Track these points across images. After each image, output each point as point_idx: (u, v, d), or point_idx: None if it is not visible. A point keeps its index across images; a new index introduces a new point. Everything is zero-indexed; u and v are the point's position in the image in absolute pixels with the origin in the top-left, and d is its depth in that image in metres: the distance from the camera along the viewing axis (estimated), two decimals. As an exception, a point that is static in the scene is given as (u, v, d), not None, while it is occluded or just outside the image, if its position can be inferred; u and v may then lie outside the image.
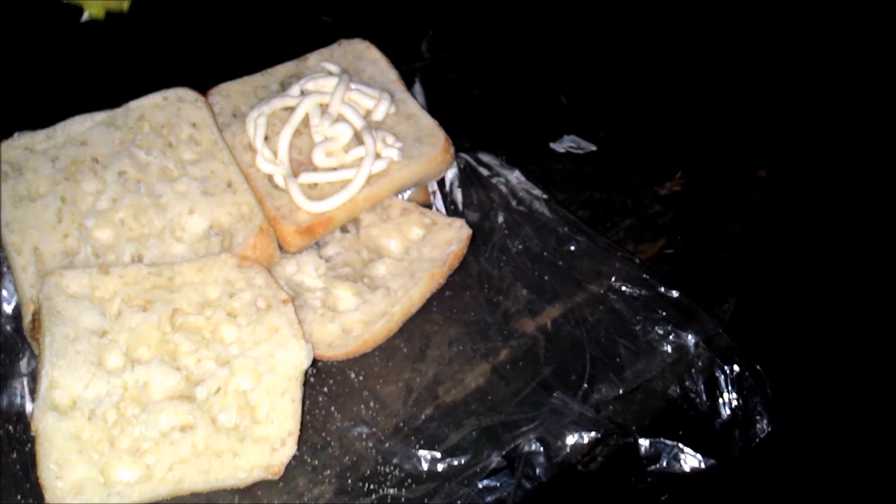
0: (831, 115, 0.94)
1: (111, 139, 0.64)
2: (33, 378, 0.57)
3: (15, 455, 0.54)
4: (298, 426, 0.54)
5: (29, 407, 0.56)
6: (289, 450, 0.54)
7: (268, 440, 0.53)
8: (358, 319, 0.62)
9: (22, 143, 0.64)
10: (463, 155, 0.76)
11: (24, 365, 0.57)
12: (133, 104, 0.67)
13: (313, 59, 0.75)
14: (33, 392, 0.56)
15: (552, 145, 0.89)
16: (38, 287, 0.56)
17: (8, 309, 0.61)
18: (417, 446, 0.57)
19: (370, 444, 0.58)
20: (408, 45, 1.04)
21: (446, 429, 0.58)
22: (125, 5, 0.56)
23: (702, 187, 0.83)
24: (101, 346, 0.53)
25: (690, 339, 0.62)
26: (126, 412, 0.52)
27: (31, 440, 0.52)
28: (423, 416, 0.60)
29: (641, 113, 0.93)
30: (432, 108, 0.81)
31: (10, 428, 0.55)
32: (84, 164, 0.62)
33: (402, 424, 0.59)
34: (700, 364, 0.62)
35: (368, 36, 1.05)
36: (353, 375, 0.62)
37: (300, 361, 0.56)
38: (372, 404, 0.60)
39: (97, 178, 0.62)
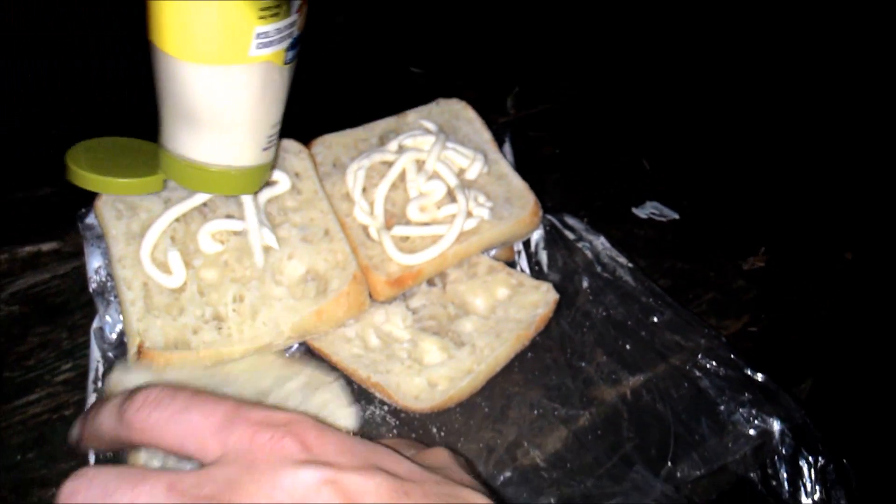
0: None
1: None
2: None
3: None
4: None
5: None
6: None
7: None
8: (444, 375, 0.63)
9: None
10: (549, 217, 0.77)
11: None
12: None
13: (412, 115, 0.78)
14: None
15: (634, 210, 0.90)
16: (144, 323, 0.59)
17: (112, 336, 0.63)
18: (496, 509, 0.57)
19: (449, 503, 0.58)
20: (493, 100, 1.07)
21: (525, 494, 0.59)
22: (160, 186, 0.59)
23: (786, 266, 0.83)
24: None
25: (776, 425, 0.62)
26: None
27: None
28: (501, 479, 0.60)
29: (725, 184, 0.93)
30: (515, 166, 0.83)
31: (111, 454, 0.57)
32: (194, 208, 0.65)
33: (480, 485, 0.59)
34: (784, 451, 0.61)
35: (456, 89, 1.09)
36: (434, 430, 0.63)
37: (345, 426, 0.57)
38: (452, 462, 0.61)
39: (205, 220, 0.64)
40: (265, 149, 0.59)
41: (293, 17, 0.52)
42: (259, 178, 0.61)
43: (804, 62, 1.17)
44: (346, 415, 0.58)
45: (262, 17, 0.49)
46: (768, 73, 1.14)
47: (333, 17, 1.23)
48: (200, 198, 0.64)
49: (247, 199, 0.64)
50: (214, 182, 0.58)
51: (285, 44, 0.53)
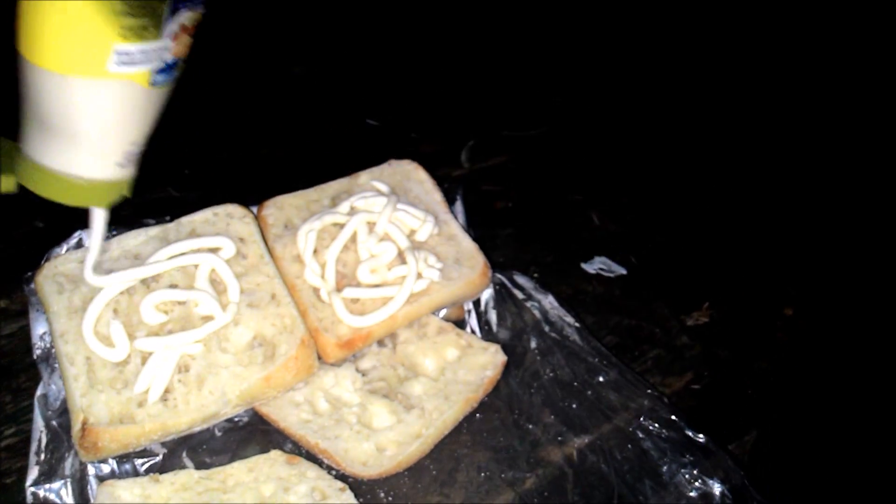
0: (859, 255, 0.97)
1: (164, 254, 0.66)
2: (74, 479, 0.58)
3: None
4: None
5: (67, 507, 0.58)
6: None
7: None
8: (392, 439, 0.64)
9: (77, 257, 0.66)
10: (499, 275, 0.79)
11: (67, 465, 0.59)
12: (185, 219, 0.70)
13: (364, 177, 0.79)
14: (74, 492, 0.58)
15: (583, 266, 0.92)
16: (88, 399, 0.58)
17: (55, 404, 0.62)
18: (442, 577, 0.58)
19: (395, 570, 0.58)
20: (449, 153, 1.09)
21: (471, 560, 0.59)
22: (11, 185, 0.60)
23: (729, 321, 0.85)
24: None
25: (716, 486, 0.63)
26: None
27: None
28: (447, 544, 0.60)
29: (671, 240, 0.96)
30: (468, 220, 0.84)
31: (50, 530, 0.56)
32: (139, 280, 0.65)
33: (427, 551, 0.60)
34: (724, 512, 0.63)
35: (412, 142, 1.10)
36: (382, 495, 0.63)
37: None
38: (399, 528, 0.61)
39: (149, 291, 0.64)
40: (121, 165, 0.58)
41: (163, 42, 0.52)
42: (110, 193, 0.60)
43: (746, 126, 1.22)
44: None
45: (123, 36, 0.50)
46: (710, 136, 1.18)
47: (290, 67, 1.25)
48: (146, 271, 0.64)
49: (97, 214, 0.62)
50: (64, 191, 0.57)
51: (152, 66, 0.53)
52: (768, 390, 0.80)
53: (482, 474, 0.65)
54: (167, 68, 0.54)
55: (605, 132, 1.16)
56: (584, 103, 1.23)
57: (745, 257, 0.95)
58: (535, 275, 0.88)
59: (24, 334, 0.71)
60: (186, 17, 0.53)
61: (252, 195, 0.76)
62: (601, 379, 0.71)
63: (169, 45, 0.53)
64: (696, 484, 0.64)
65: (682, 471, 0.64)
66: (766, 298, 0.89)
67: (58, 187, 0.57)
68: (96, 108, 0.54)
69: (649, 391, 0.69)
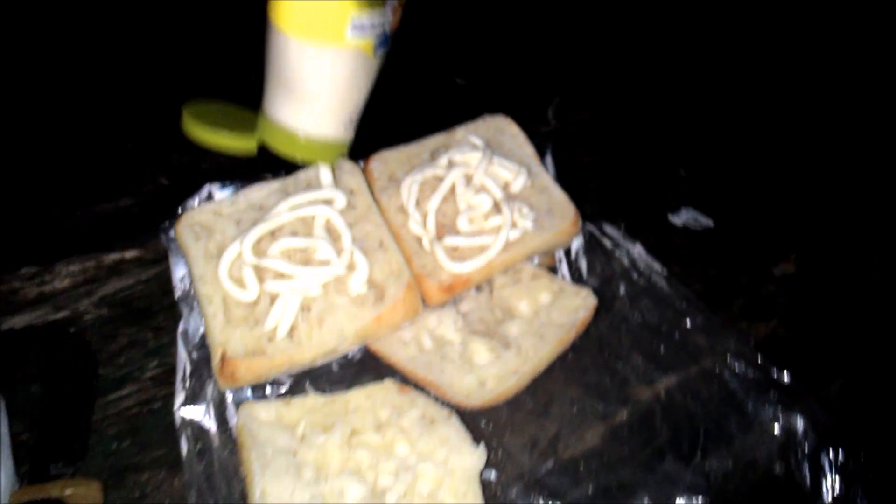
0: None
1: (285, 206, 0.72)
2: (215, 403, 0.66)
3: (201, 468, 0.63)
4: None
5: (209, 425, 0.66)
6: None
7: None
8: (492, 374, 0.69)
9: (210, 209, 0.74)
10: (588, 225, 0.83)
11: (209, 391, 0.67)
12: (301, 173, 0.76)
13: (460, 132, 0.84)
14: (215, 414, 0.66)
15: (670, 217, 0.94)
16: (225, 334, 0.66)
17: (195, 339, 0.70)
18: (540, 498, 0.63)
19: (496, 490, 0.64)
20: (535, 110, 1.12)
21: (566, 483, 0.65)
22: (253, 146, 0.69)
23: (816, 272, 0.87)
24: (295, 462, 0.61)
25: (799, 422, 0.67)
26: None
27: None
28: (543, 470, 0.66)
29: (758, 192, 0.98)
30: (556, 176, 0.88)
31: (199, 444, 0.64)
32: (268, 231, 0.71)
33: (524, 474, 0.65)
34: (806, 447, 0.66)
35: (499, 99, 1.14)
36: (483, 424, 0.69)
37: (474, 464, 0.62)
38: (499, 453, 0.67)
39: (272, 238, 0.71)
40: (345, 127, 0.70)
41: (386, 13, 0.62)
42: (337, 151, 0.71)
43: (840, 79, 1.20)
44: (471, 452, 0.63)
45: (359, 6, 0.60)
46: (803, 87, 1.18)
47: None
48: (273, 223, 0.71)
49: (323, 169, 0.73)
50: (300, 147, 0.69)
51: (376, 35, 0.63)
52: (855, 341, 0.81)
53: (575, 407, 0.70)
54: (385, 41, 0.65)
55: (689, 89, 1.17)
56: (669, 63, 1.23)
57: (833, 209, 0.96)
58: (623, 226, 0.91)
59: (159, 279, 0.79)
60: None
61: (358, 151, 0.82)
62: (688, 323, 0.75)
63: (388, 18, 0.63)
64: (780, 420, 0.67)
65: (767, 407, 0.68)
66: (854, 250, 0.90)
67: (295, 144, 0.69)
68: (333, 73, 0.64)
69: (736, 334, 0.73)
